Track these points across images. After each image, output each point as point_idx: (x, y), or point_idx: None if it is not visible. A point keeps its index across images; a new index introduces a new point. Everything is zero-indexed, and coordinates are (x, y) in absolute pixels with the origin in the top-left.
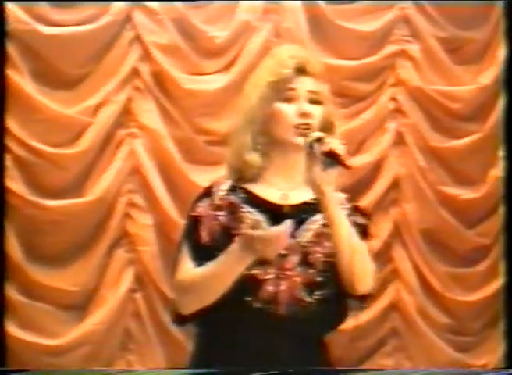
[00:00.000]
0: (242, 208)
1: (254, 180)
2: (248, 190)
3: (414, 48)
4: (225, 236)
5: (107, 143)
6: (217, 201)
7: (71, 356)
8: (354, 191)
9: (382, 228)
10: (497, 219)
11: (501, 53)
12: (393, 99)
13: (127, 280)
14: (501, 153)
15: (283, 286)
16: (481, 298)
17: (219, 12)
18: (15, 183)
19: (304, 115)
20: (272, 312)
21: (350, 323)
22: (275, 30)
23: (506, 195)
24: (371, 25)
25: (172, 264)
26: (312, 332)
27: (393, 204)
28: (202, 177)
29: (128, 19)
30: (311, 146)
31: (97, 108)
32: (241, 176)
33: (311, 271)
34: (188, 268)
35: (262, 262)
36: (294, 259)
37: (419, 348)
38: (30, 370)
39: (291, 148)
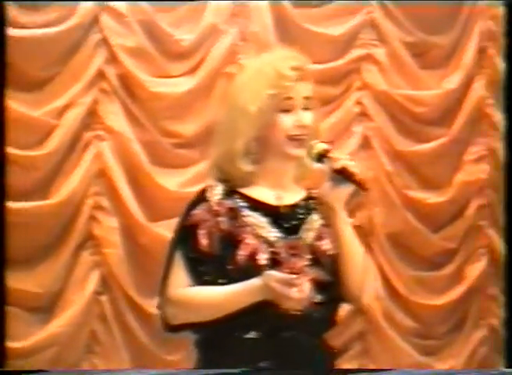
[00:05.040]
0: (242, 212)
1: (244, 184)
2: (244, 194)
3: (380, 52)
4: (227, 242)
5: (73, 145)
6: (215, 207)
7: (36, 359)
8: None
9: None
10: (463, 223)
11: (466, 57)
12: (359, 103)
13: (93, 282)
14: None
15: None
16: (446, 301)
17: (186, 14)
18: None
19: (301, 127)
20: (286, 312)
21: None
22: (242, 34)
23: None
24: (337, 29)
25: (162, 274)
26: (319, 332)
27: (359, 208)
28: (169, 180)
29: (95, 21)
30: (317, 159)
31: (63, 110)
32: (231, 182)
33: (320, 270)
34: (182, 282)
35: (273, 265)
36: (304, 259)
37: (384, 351)
38: (31, 371)
39: (285, 157)
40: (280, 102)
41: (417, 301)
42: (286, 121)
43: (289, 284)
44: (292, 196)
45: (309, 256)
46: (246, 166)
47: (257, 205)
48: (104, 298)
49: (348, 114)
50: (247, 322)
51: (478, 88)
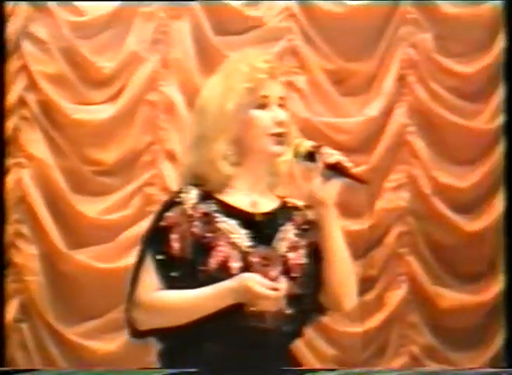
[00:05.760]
0: (216, 217)
1: (220, 189)
2: (218, 198)
3: (300, 80)
4: (199, 248)
5: None
6: (189, 211)
7: None
8: None
9: None
10: (383, 251)
11: (386, 85)
12: None
13: (13, 310)
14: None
15: None
16: (367, 329)
17: (108, 42)
18: None
19: (280, 123)
20: (258, 326)
21: None
22: (163, 61)
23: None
24: None
25: (131, 277)
26: (286, 345)
27: None
28: (89, 207)
29: (16, 48)
30: (310, 156)
31: None
32: (206, 185)
33: (292, 282)
34: (152, 286)
35: None
36: (276, 271)
37: None
38: (30, 370)
39: (264, 156)
40: (256, 99)
41: (338, 328)
42: (264, 118)
43: (267, 285)
44: (267, 203)
45: (281, 267)
46: (226, 169)
47: (231, 211)
48: (24, 326)
49: None
50: (214, 333)
51: (399, 116)
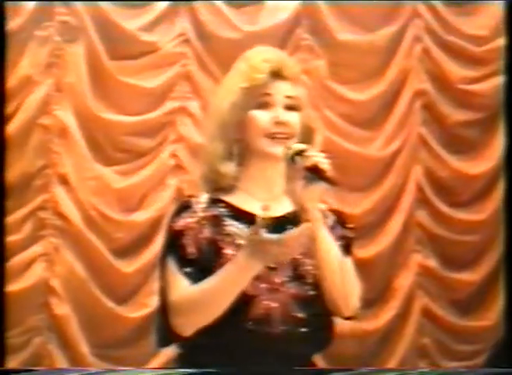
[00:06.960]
0: (225, 221)
1: (229, 191)
2: (228, 202)
3: (194, 105)
4: (211, 250)
5: None
6: (200, 214)
7: None
8: (136, 246)
9: None
10: None
11: None
12: (174, 155)
13: None
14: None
15: (275, 302)
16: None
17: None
18: None
19: (279, 123)
20: (264, 331)
21: None
22: (57, 85)
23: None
24: (152, 81)
25: (160, 287)
26: (304, 352)
27: None
28: None
29: None
30: (292, 159)
31: None
32: (216, 188)
33: (303, 285)
34: (183, 286)
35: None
36: (285, 273)
37: None
38: (31, 370)
39: (267, 157)
40: (256, 98)
41: None
42: (263, 117)
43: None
44: (281, 208)
45: (291, 270)
46: (228, 170)
47: (240, 215)
48: None
49: (163, 166)
50: (221, 338)
51: None
